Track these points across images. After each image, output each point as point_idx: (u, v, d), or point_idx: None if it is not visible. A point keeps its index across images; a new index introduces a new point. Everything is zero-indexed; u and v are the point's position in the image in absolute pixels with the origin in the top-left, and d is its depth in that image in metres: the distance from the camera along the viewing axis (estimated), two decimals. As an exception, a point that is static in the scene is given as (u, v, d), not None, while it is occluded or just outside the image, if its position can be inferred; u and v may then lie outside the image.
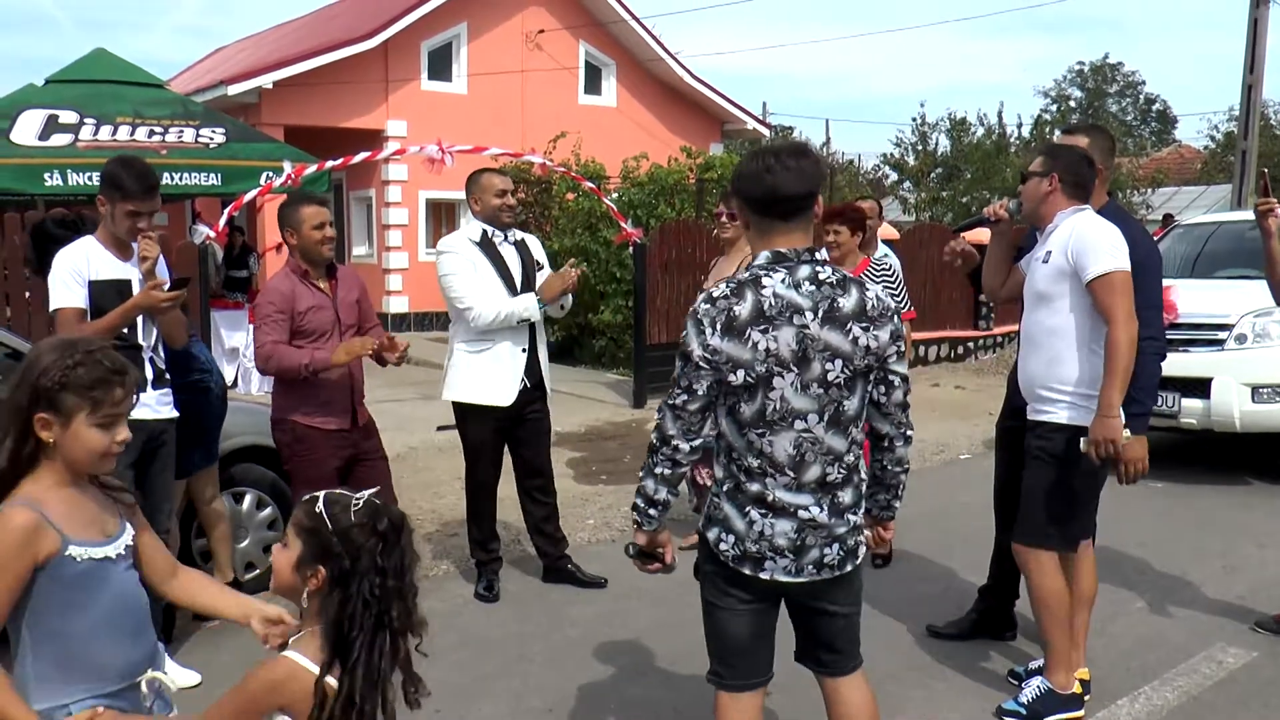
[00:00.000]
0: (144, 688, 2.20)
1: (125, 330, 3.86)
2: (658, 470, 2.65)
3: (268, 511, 5.02)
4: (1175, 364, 7.03)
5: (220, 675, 4.10)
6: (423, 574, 5.34)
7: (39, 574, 2.04)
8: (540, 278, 5.02)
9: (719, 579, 2.71)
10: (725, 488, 2.66)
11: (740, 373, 2.53)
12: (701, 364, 2.54)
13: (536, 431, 5.08)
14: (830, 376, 2.55)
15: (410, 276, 17.07)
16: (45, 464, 2.09)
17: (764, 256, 2.59)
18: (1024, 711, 3.73)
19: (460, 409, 4.98)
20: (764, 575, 2.62)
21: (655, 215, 12.59)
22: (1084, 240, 3.55)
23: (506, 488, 5.22)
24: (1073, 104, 49.17)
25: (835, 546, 2.63)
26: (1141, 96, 51.98)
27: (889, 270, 5.63)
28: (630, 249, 10.82)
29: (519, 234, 5.08)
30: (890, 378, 2.65)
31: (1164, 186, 25.17)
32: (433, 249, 16.85)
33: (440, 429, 8.93)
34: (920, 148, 25.62)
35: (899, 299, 5.52)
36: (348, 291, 4.47)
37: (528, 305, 4.80)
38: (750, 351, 2.51)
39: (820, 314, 2.53)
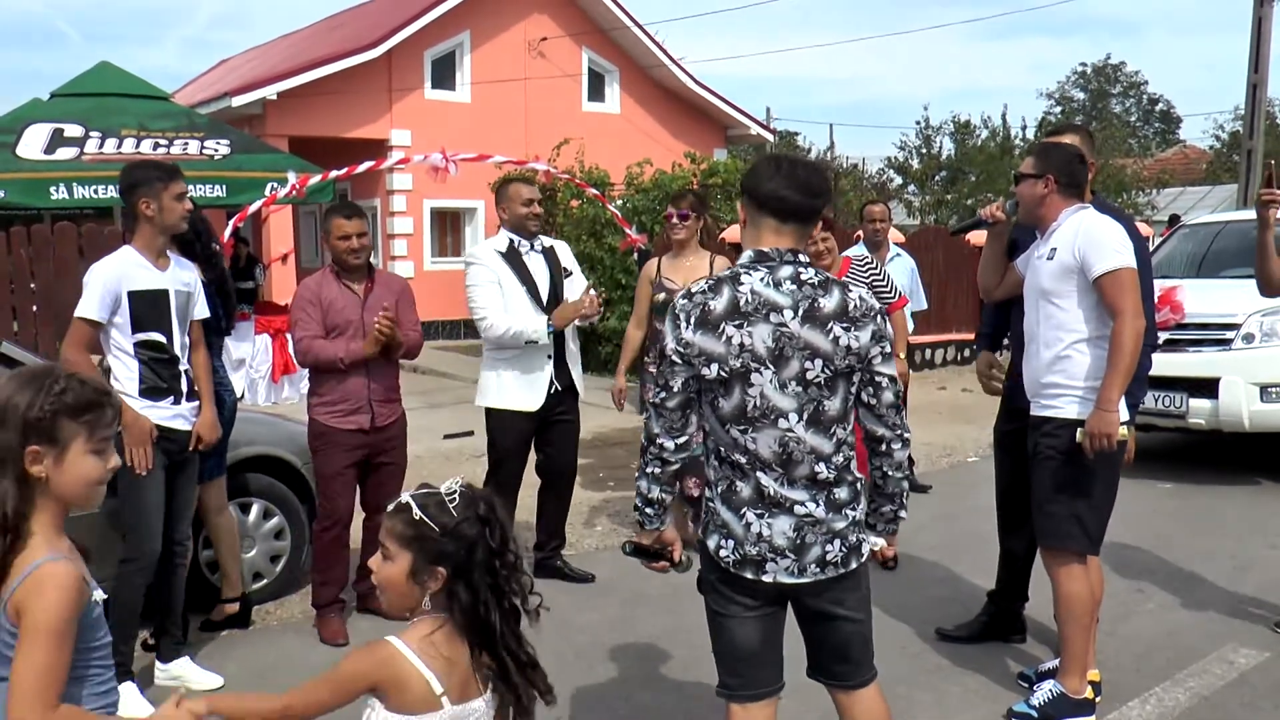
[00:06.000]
0: None
1: (164, 340, 3.95)
2: (649, 470, 2.69)
3: (274, 521, 5.02)
4: (1183, 364, 7.04)
5: (231, 680, 4.11)
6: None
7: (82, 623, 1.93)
8: (569, 284, 5.12)
9: (722, 586, 2.69)
10: (720, 490, 2.65)
11: (714, 366, 2.54)
12: (675, 358, 2.57)
13: (565, 433, 5.21)
14: (810, 375, 2.54)
15: (416, 286, 16.81)
16: (39, 506, 1.93)
17: (747, 255, 2.62)
18: (1035, 715, 3.71)
19: (490, 413, 5.08)
20: (766, 578, 2.60)
21: (660, 221, 12.53)
22: (1090, 237, 3.56)
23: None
24: (1075, 105, 49.13)
25: (837, 543, 2.61)
26: (1145, 97, 51.93)
27: (871, 266, 5.61)
28: (635, 255, 10.82)
29: (548, 241, 5.20)
30: (878, 379, 2.62)
31: (1169, 187, 25.13)
32: (438, 258, 17.03)
33: (447, 437, 8.93)
34: (924, 151, 25.66)
35: (887, 292, 5.53)
36: (383, 297, 4.60)
37: (538, 328, 4.90)
38: (724, 345, 2.53)
39: (800, 312, 2.54)
